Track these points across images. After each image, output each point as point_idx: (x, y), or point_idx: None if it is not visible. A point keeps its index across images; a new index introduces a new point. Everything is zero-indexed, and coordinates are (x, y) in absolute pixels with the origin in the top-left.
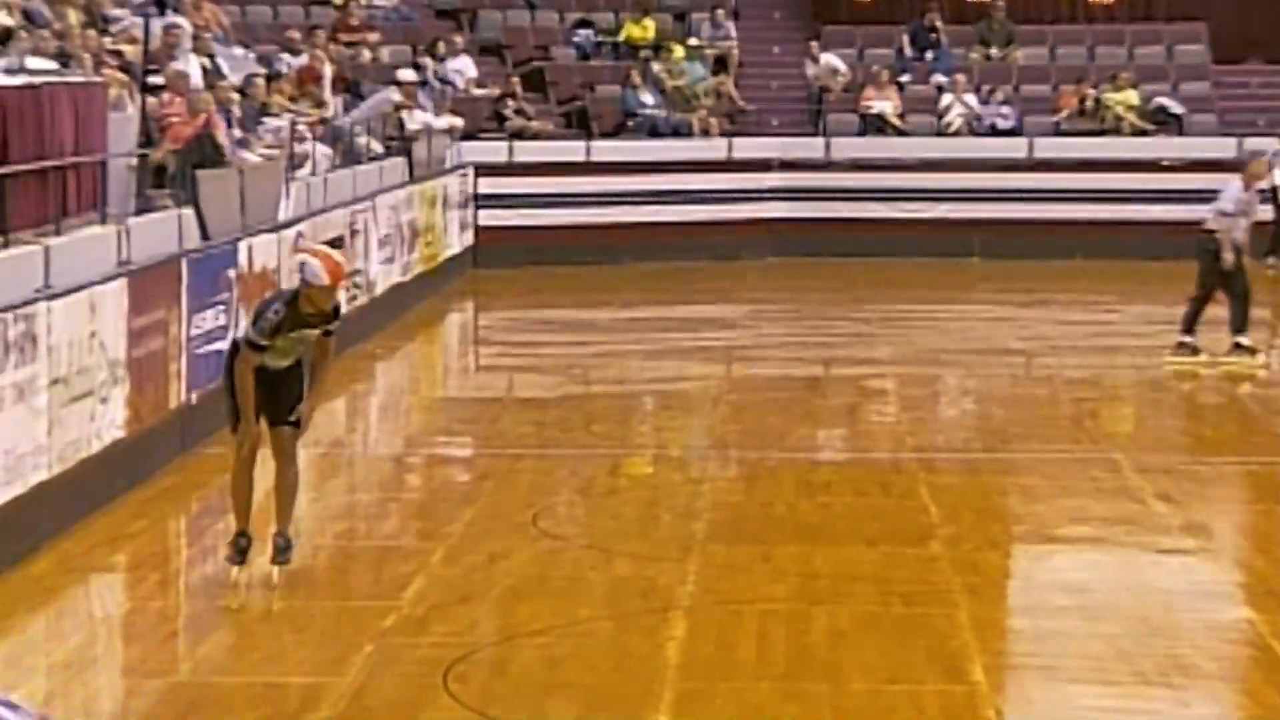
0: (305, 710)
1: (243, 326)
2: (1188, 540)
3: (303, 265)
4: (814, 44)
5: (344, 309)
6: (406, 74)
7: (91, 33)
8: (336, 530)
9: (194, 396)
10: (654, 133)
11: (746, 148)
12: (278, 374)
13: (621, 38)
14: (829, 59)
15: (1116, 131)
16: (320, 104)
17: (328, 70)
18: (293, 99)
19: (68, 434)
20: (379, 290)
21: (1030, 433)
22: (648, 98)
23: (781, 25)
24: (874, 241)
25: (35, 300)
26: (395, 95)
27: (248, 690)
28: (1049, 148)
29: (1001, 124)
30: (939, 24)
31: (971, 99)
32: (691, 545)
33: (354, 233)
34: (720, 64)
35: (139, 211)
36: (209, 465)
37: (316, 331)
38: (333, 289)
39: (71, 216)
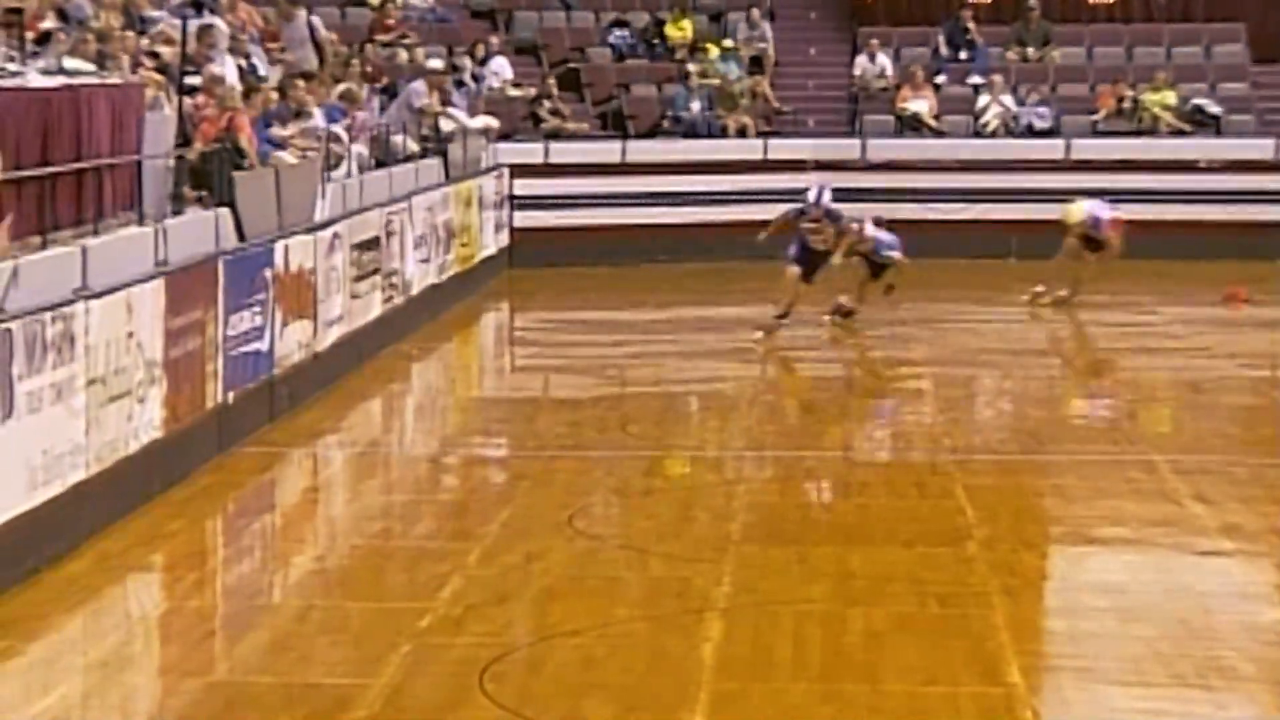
0: (341, 710)
1: None
2: (1225, 542)
3: None
4: (874, 41)
5: (379, 311)
6: (434, 63)
7: (129, 34)
8: (372, 530)
9: (231, 396)
10: (690, 133)
11: (782, 148)
12: None
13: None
14: (883, 59)
15: (1154, 132)
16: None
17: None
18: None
19: (105, 434)
20: (415, 291)
21: (1066, 434)
22: (696, 105)
23: (817, 26)
24: (910, 242)
25: (73, 301)
26: (420, 86)
27: (284, 690)
28: (1086, 148)
29: (1038, 124)
30: (973, 24)
31: (1008, 99)
32: (727, 546)
33: (390, 233)
34: (756, 64)
35: (175, 212)
36: (246, 465)
37: None
38: None
39: (108, 217)
